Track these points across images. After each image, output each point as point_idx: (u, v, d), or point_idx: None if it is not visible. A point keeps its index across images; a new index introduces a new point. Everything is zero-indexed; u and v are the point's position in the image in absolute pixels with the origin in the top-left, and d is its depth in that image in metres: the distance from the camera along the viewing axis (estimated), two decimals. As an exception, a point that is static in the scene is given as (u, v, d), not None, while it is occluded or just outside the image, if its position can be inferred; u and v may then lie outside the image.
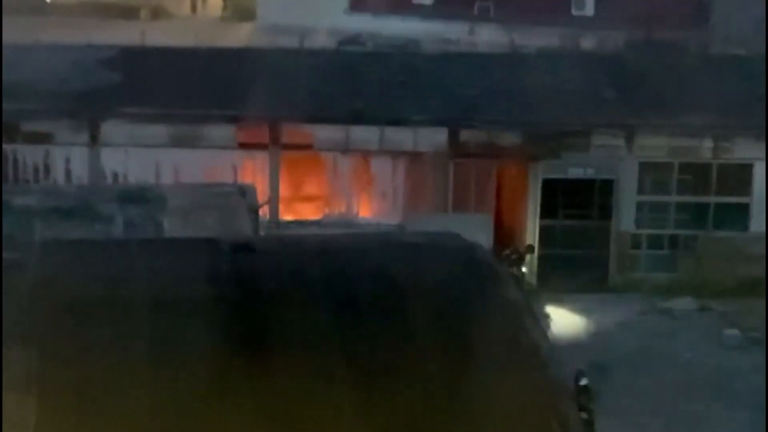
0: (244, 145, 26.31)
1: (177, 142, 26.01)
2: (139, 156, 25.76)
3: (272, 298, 6.75)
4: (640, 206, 26.72)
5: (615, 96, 27.55)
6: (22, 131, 25.83)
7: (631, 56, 33.40)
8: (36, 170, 25.92)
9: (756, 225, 26.49)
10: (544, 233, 26.56)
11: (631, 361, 21.99)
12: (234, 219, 17.28)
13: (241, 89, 26.44)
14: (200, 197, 18.01)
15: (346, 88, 27.36)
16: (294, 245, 7.65)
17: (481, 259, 7.37)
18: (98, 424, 6.01)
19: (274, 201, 25.84)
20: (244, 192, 19.05)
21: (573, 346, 20.75)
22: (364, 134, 26.30)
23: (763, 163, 26.32)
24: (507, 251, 25.25)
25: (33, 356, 6.16)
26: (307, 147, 26.41)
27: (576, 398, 6.85)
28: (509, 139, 26.57)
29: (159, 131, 26.00)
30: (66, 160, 25.93)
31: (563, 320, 23.73)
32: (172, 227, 16.87)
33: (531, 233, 26.53)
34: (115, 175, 25.94)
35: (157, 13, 53.65)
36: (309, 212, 26.80)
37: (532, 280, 25.92)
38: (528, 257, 25.77)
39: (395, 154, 26.47)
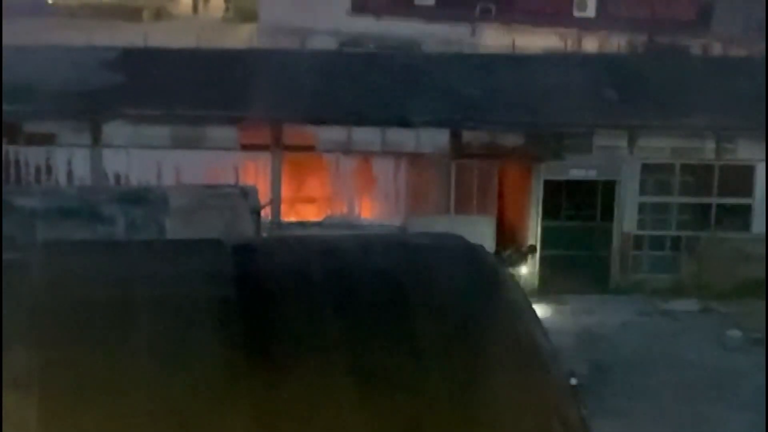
0: (246, 147, 26.32)
1: (179, 144, 26.02)
2: (141, 157, 25.77)
3: (274, 299, 6.76)
4: (641, 207, 26.73)
5: (617, 97, 27.56)
6: (25, 132, 25.85)
7: (633, 58, 33.40)
8: (38, 171, 25.94)
9: (758, 226, 26.49)
10: (546, 234, 26.56)
11: (633, 362, 22.00)
12: (236, 220, 17.30)
13: (242, 90, 26.45)
14: (202, 198, 18.03)
15: (348, 90, 27.37)
16: (296, 246, 7.65)
17: (483, 260, 7.38)
18: (104, 426, 6.02)
19: (275, 202, 25.85)
20: (246, 193, 19.08)
21: (574, 347, 20.77)
22: (366, 135, 26.31)
23: (765, 164, 26.33)
24: (508, 252, 25.28)
25: (36, 357, 6.17)
26: (309, 148, 26.42)
27: None
28: (511, 140, 26.57)
29: (161, 132, 26.01)
30: (68, 161, 25.94)
31: (565, 321, 23.73)
32: (173, 228, 16.90)
33: (533, 234, 26.54)
34: (117, 177, 25.95)
35: (159, 15, 53.61)
36: (311, 213, 26.80)
37: (534, 280, 25.94)
38: (530, 258, 25.80)
39: (397, 155, 26.47)
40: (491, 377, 6.44)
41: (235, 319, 6.53)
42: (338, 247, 7.50)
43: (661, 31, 38.75)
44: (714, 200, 26.77)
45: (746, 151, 26.68)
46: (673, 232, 26.84)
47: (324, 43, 39.62)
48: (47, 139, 25.87)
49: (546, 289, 25.64)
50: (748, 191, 26.77)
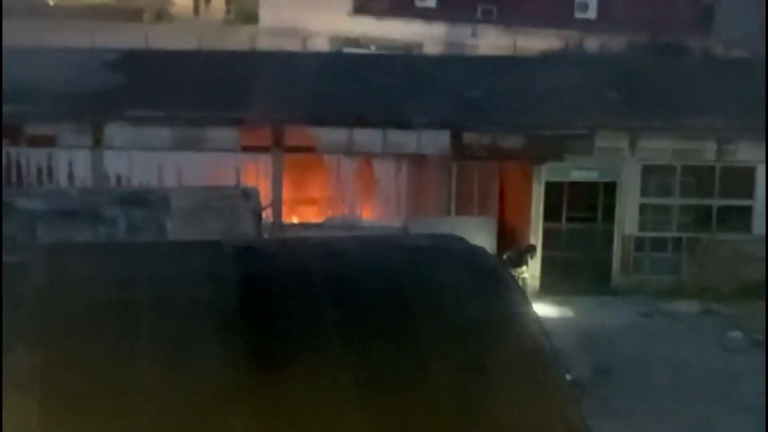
0: (247, 148, 26.30)
1: (180, 145, 26.01)
2: (142, 159, 25.76)
3: (275, 300, 6.77)
4: (643, 209, 26.72)
5: (618, 99, 27.56)
6: (26, 134, 25.84)
7: (634, 59, 33.38)
8: (39, 173, 25.93)
9: (759, 227, 26.48)
10: (548, 236, 26.55)
11: (634, 363, 21.99)
12: (237, 221, 17.32)
13: (244, 92, 26.45)
14: (203, 200, 18.05)
15: (349, 91, 27.37)
16: (297, 248, 7.67)
17: (484, 261, 7.40)
18: (104, 425, 6.03)
19: (276, 204, 25.85)
20: (247, 195, 19.11)
21: (575, 348, 20.75)
22: (367, 137, 26.29)
23: (765, 166, 26.33)
24: (509, 253, 25.28)
25: (37, 357, 6.18)
26: (310, 149, 26.41)
27: None
28: (512, 141, 26.56)
29: (162, 134, 25.99)
30: (69, 162, 25.93)
31: (566, 322, 23.73)
32: (175, 230, 16.91)
33: (534, 236, 26.53)
34: (118, 178, 25.95)
35: (160, 16, 53.60)
36: (312, 215, 26.80)
37: (535, 282, 25.94)
38: (530, 259, 25.80)
39: (398, 156, 26.46)
40: (492, 378, 6.46)
41: (237, 318, 6.54)
42: (339, 248, 7.51)
43: (662, 33, 38.73)
44: (715, 202, 26.76)
45: (747, 153, 26.67)
46: (674, 234, 26.83)
47: (325, 44, 39.65)
48: (48, 141, 25.86)
49: (547, 290, 25.63)
50: (749, 193, 26.77)
